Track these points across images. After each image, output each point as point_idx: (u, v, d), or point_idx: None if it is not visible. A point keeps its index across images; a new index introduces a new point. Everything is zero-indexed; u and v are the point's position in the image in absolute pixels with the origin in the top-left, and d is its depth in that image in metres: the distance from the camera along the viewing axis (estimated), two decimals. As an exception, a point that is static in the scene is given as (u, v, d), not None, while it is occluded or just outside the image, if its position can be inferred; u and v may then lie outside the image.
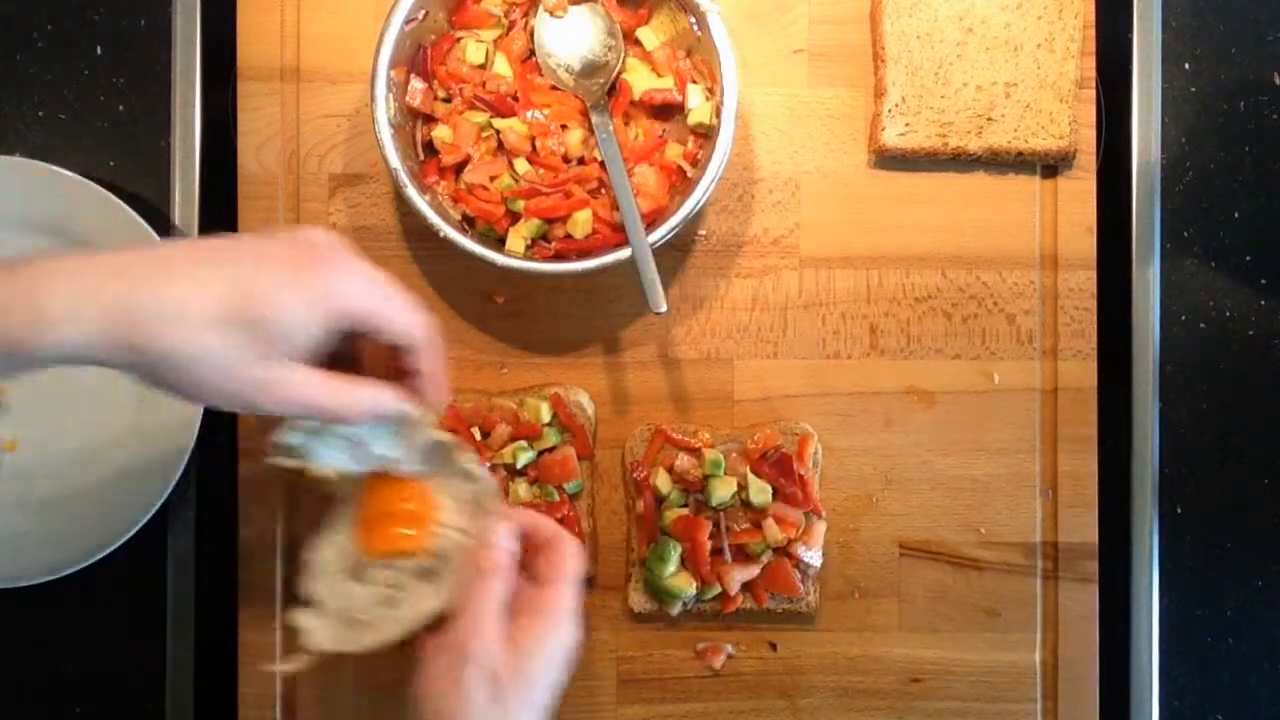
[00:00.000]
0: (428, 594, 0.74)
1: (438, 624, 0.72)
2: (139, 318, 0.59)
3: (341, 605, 0.75)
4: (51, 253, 0.63)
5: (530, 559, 0.74)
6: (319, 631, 0.75)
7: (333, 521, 0.78)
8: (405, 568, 0.76)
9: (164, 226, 0.93)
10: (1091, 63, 0.93)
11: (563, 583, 0.71)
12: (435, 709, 0.67)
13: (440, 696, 0.67)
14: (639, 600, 0.91)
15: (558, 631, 0.70)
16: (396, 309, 0.68)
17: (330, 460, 0.75)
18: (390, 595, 0.75)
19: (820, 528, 0.90)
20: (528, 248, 0.87)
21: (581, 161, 0.88)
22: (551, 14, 0.89)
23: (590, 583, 0.92)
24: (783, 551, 0.89)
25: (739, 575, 0.89)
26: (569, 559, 0.73)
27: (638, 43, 0.90)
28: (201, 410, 0.89)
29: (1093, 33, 0.93)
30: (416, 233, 0.92)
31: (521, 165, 0.87)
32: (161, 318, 0.60)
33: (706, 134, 0.88)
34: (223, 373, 0.62)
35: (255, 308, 0.61)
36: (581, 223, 0.86)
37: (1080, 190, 0.93)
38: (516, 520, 0.74)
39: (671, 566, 0.88)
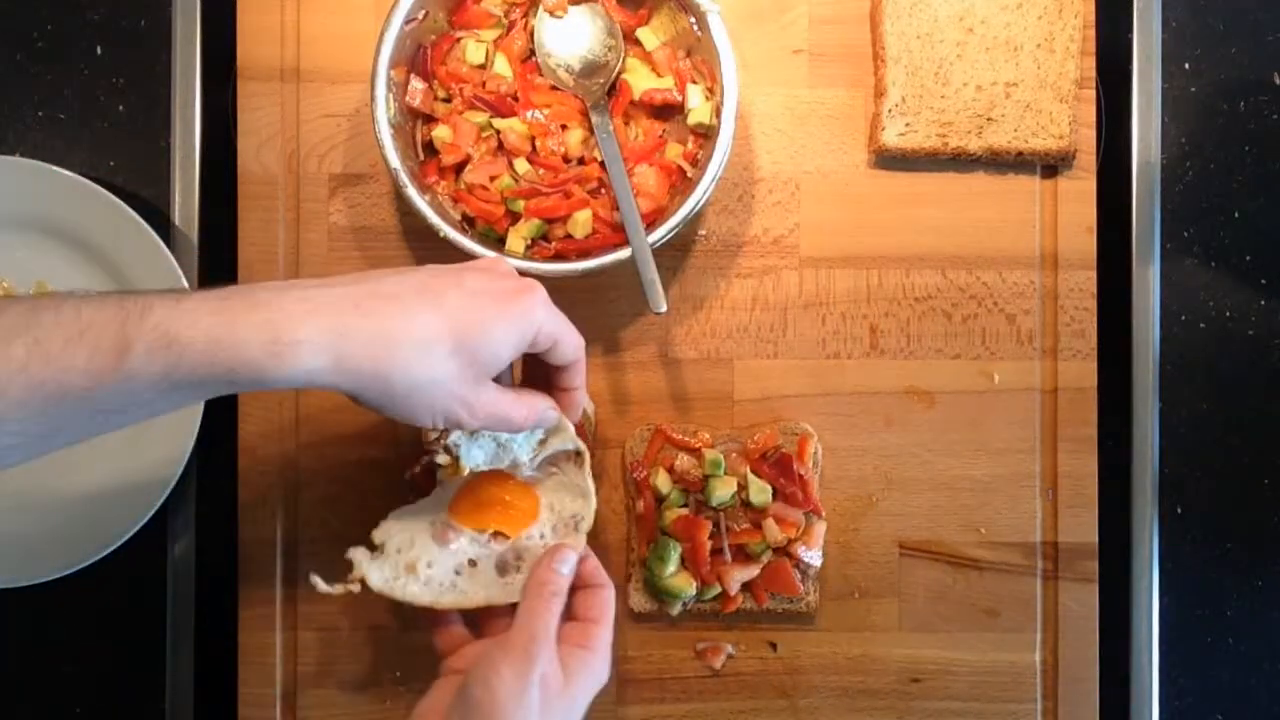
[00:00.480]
0: (494, 585, 0.80)
1: (478, 613, 0.80)
2: (383, 348, 0.66)
3: (408, 553, 0.80)
4: (269, 284, 0.67)
5: (572, 596, 0.79)
6: (372, 571, 0.79)
7: (429, 502, 0.82)
8: (489, 552, 0.81)
9: (164, 226, 0.93)
10: (1091, 63, 0.93)
11: (605, 624, 0.77)
12: (486, 696, 0.70)
13: (494, 687, 0.70)
14: (639, 600, 0.91)
15: (598, 664, 0.76)
16: (570, 333, 0.76)
17: (476, 458, 0.82)
18: (462, 566, 0.80)
19: (820, 528, 0.90)
20: (528, 248, 0.87)
21: (581, 161, 0.88)
22: (551, 14, 0.89)
23: (590, 583, 0.92)
24: (783, 551, 0.89)
25: (739, 575, 0.89)
26: (611, 603, 0.78)
27: (638, 43, 0.90)
28: (201, 411, 0.89)
29: (1093, 33, 0.93)
30: (416, 233, 0.93)
31: (521, 165, 0.87)
32: (409, 346, 0.67)
33: (706, 134, 0.88)
34: (445, 393, 0.69)
35: (475, 337, 0.69)
36: (581, 223, 0.86)
37: (1080, 190, 0.93)
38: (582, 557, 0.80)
39: (671, 566, 0.88)
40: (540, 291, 0.73)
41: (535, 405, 0.77)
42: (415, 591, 0.79)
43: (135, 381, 0.61)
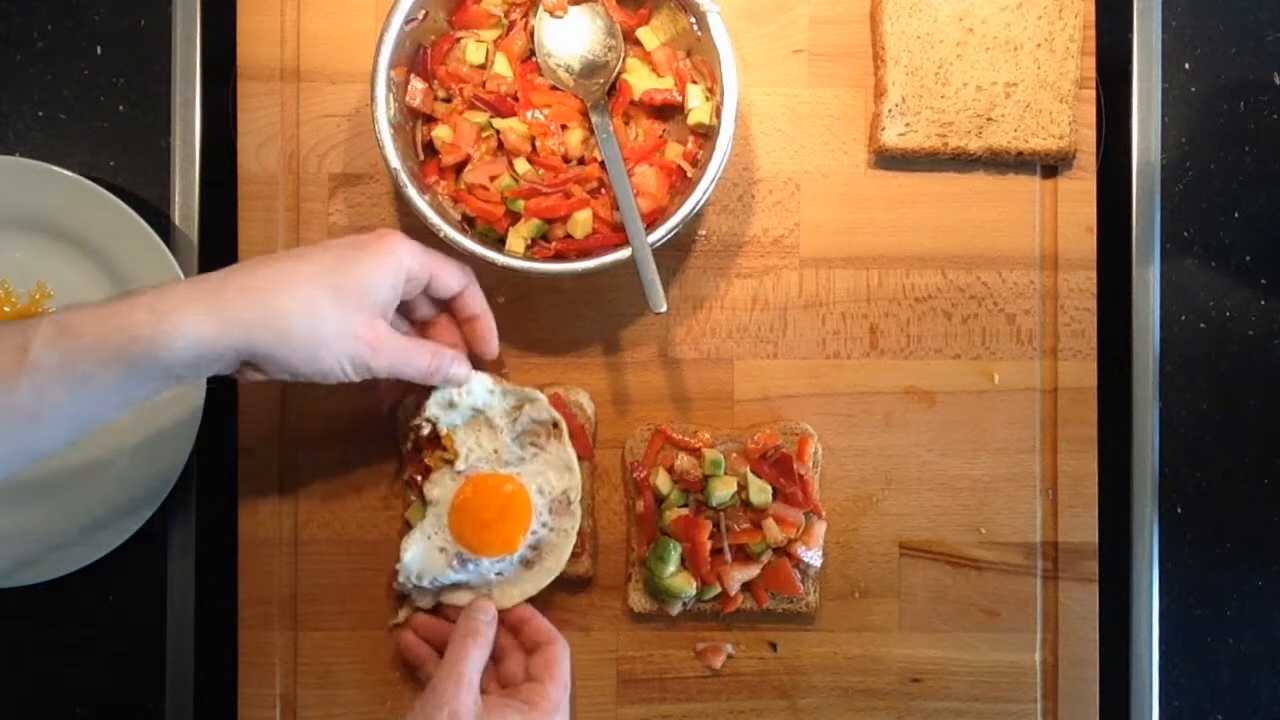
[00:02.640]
0: (526, 579, 0.88)
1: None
2: (264, 301, 0.70)
3: (444, 589, 0.89)
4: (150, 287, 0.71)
5: (527, 652, 0.87)
6: (422, 601, 0.90)
7: (429, 524, 0.88)
8: (509, 558, 0.88)
9: (164, 226, 0.93)
10: (1091, 63, 0.93)
11: (557, 684, 0.83)
12: None
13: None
14: (639, 600, 0.91)
15: None
16: (443, 261, 0.82)
17: (454, 420, 0.87)
18: (489, 579, 0.88)
19: (820, 528, 0.90)
20: (528, 248, 0.87)
21: (581, 161, 0.88)
22: (551, 14, 0.89)
23: (590, 583, 0.92)
24: (783, 551, 0.89)
25: (739, 575, 0.89)
26: (563, 664, 0.85)
27: (638, 43, 0.90)
28: (202, 410, 0.89)
29: (1093, 33, 0.93)
30: (416, 233, 0.92)
31: (521, 165, 0.87)
32: (288, 295, 0.71)
33: (706, 134, 0.88)
34: (338, 332, 0.74)
35: (347, 277, 0.74)
36: (581, 223, 0.86)
37: (1080, 190, 0.93)
38: (521, 615, 0.88)
39: (671, 566, 0.88)
40: (400, 234, 0.79)
41: (437, 349, 0.82)
42: (464, 598, 0.89)
43: (39, 374, 0.65)
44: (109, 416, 0.70)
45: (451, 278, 0.83)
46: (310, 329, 0.72)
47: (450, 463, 0.87)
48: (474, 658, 0.81)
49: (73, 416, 0.68)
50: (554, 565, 0.88)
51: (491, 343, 0.86)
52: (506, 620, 0.88)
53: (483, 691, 0.82)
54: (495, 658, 0.87)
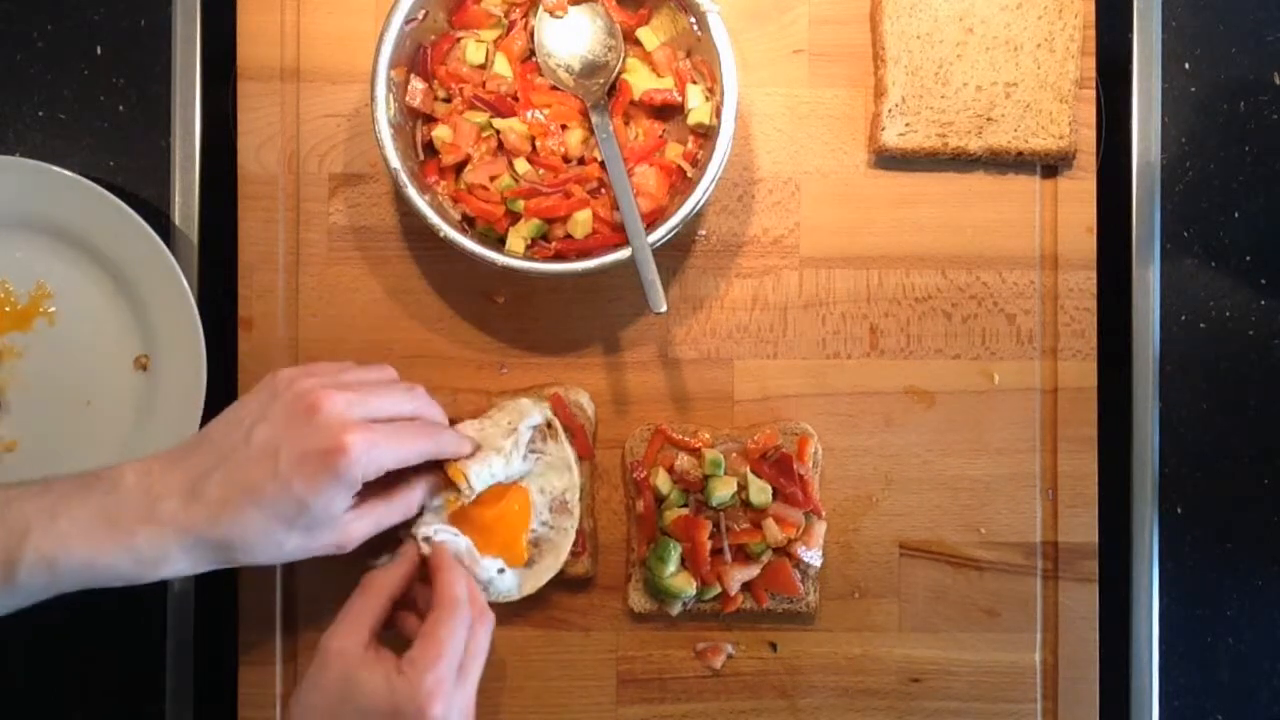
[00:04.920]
0: (526, 576, 0.89)
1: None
2: (232, 550, 0.75)
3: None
4: (126, 480, 0.75)
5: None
6: None
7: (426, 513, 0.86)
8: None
9: (164, 226, 0.93)
10: (1091, 63, 0.93)
11: (427, 655, 0.76)
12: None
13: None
14: (639, 600, 0.91)
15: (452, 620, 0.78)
16: (408, 452, 0.79)
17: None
18: (492, 576, 0.87)
19: (820, 528, 0.90)
20: (528, 248, 0.87)
21: (581, 161, 0.88)
22: (551, 14, 0.89)
23: (590, 583, 0.92)
24: (783, 551, 0.89)
25: (739, 575, 0.89)
26: (441, 633, 0.77)
27: (638, 43, 0.90)
28: (201, 412, 0.89)
29: (1093, 33, 0.93)
30: (416, 233, 0.93)
31: (521, 165, 0.87)
32: (250, 548, 0.75)
33: (706, 134, 0.88)
34: (307, 550, 0.77)
35: (308, 513, 0.75)
36: (581, 223, 0.86)
37: (1080, 190, 0.93)
38: (436, 565, 0.83)
39: (671, 566, 0.88)
40: (354, 446, 0.74)
41: (407, 495, 0.82)
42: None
43: (21, 592, 0.72)
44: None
45: (414, 457, 0.80)
46: (277, 554, 0.76)
47: (464, 502, 0.85)
48: (369, 605, 0.79)
49: (45, 595, 0.74)
50: (554, 563, 0.88)
51: (460, 448, 0.84)
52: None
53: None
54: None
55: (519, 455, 0.87)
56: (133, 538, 0.73)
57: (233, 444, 0.75)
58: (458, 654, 0.77)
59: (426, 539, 0.83)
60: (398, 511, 0.82)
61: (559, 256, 0.87)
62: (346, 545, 0.79)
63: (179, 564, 0.74)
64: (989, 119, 0.92)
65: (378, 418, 0.77)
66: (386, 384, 0.82)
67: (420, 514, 0.84)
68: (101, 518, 0.73)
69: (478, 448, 0.85)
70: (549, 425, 0.88)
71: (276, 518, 0.74)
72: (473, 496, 0.85)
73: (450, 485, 0.84)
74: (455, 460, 0.84)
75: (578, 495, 0.88)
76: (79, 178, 0.89)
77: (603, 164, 0.87)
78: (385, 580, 0.81)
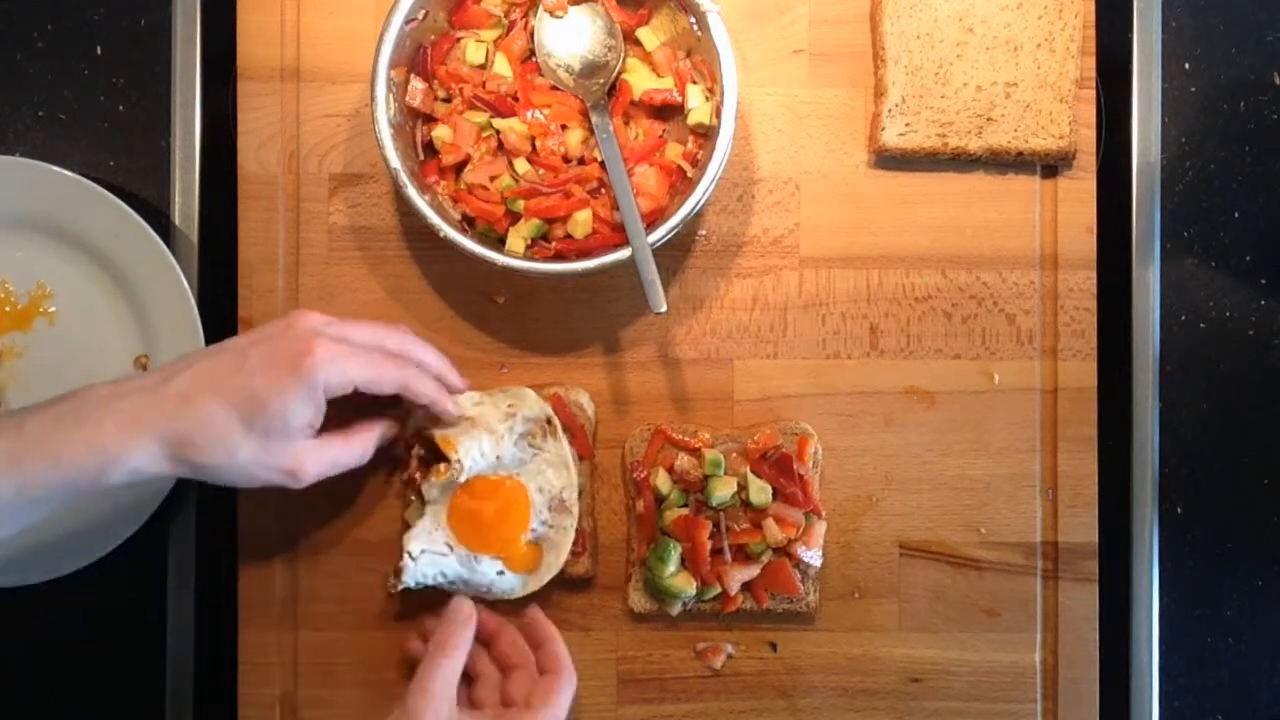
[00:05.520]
0: (527, 576, 0.89)
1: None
2: (187, 446, 0.75)
3: (452, 583, 0.89)
4: (95, 394, 0.75)
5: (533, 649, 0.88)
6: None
7: (429, 521, 0.88)
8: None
9: (164, 226, 0.93)
10: (1091, 63, 0.93)
11: (562, 674, 0.85)
12: None
13: None
14: (639, 600, 0.91)
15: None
16: (378, 373, 0.81)
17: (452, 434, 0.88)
18: (492, 576, 0.89)
19: (820, 528, 0.90)
20: (528, 248, 0.87)
21: (581, 161, 0.88)
22: (551, 14, 0.89)
23: (590, 583, 0.92)
24: (783, 551, 0.89)
25: (739, 575, 0.89)
26: (561, 697, 0.84)
27: (638, 43, 0.90)
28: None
29: (1093, 33, 0.93)
30: (416, 233, 0.92)
31: (521, 165, 0.87)
32: (204, 444, 0.75)
33: (706, 134, 0.88)
34: (256, 464, 0.78)
35: (266, 412, 0.76)
36: (581, 223, 0.86)
37: (1080, 190, 0.93)
38: (546, 635, 0.88)
39: (671, 566, 0.88)
40: (320, 350, 0.77)
41: (365, 436, 0.84)
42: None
43: None
44: (53, 510, 0.76)
45: (391, 386, 0.82)
46: (232, 468, 0.77)
47: (454, 476, 0.87)
48: (444, 672, 0.81)
49: (19, 520, 0.75)
50: (554, 562, 0.88)
51: (456, 383, 0.88)
52: (529, 635, 0.88)
53: (475, 706, 0.83)
54: (504, 669, 0.87)
55: (510, 441, 0.87)
56: (98, 429, 0.73)
57: (208, 352, 0.79)
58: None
59: (427, 435, 0.86)
60: (354, 454, 0.83)
61: (559, 256, 0.87)
62: (299, 476, 0.79)
63: (137, 458, 0.74)
64: (989, 119, 0.92)
65: (353, 341, 0.80)
66: (378, 324, 0.85)
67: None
68: (69, 415, 0.74)
69: (470, 421, 0.87)
70: (549, 422, 0.88)
71: (235, 411, 0.75)
72: (462, 474, 0.85)
73: (440, 457, 0.86)
74: (445, 431, 0.86)
75: (576, 494, 0.88)
76: (79, 178, 0.89)
77: (603, 164, 0.87)
78: (459, 641, 0.83)
